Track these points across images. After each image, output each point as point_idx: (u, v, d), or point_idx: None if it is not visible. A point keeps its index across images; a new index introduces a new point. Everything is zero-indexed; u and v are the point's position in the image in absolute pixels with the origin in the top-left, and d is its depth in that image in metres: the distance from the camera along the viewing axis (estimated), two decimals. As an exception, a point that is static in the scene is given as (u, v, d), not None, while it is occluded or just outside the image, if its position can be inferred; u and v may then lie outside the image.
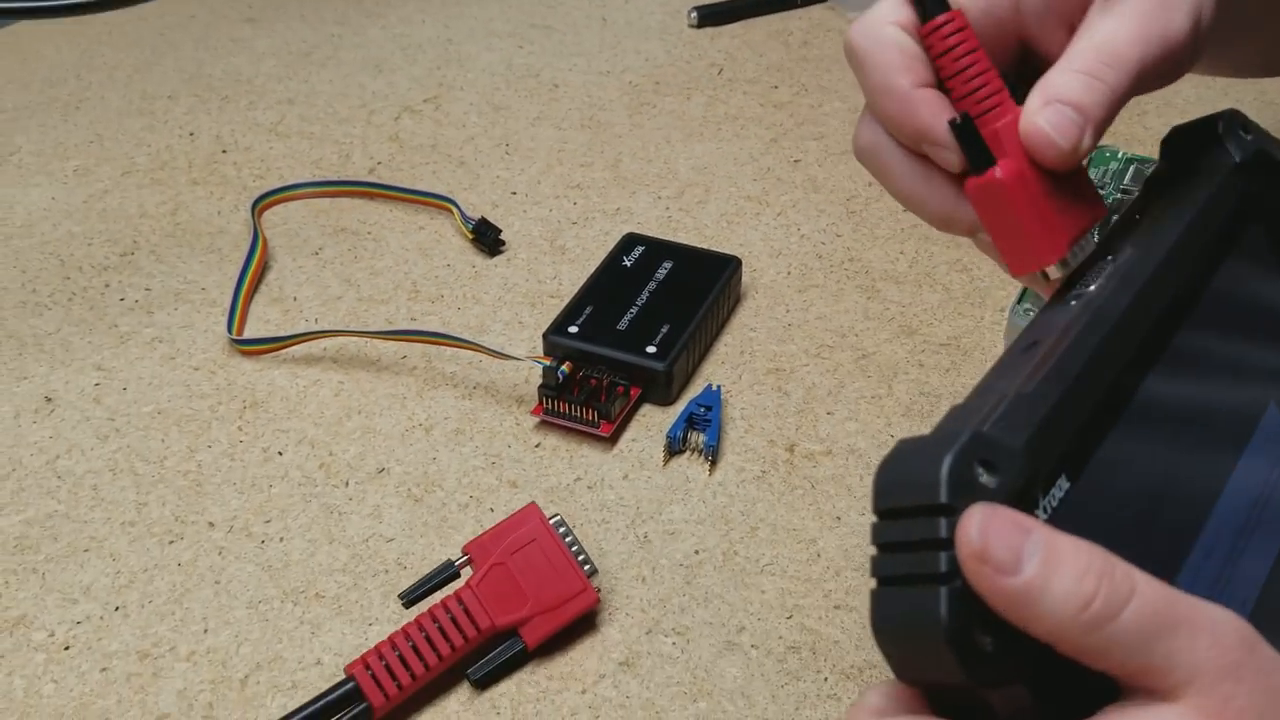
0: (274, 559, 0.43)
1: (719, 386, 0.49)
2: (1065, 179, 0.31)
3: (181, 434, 0.48)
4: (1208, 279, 0.31)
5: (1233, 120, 0.34)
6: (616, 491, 0.46)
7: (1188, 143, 0.34)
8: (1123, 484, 0.27)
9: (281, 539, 0.44)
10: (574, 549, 0.40)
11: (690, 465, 0.47)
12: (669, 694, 0.39)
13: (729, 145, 0.66)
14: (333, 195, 0.62)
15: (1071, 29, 0.32)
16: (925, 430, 0.48)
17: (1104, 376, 0.27)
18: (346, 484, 0.46)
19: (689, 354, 0.50)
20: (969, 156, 0.30)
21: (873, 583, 0.24)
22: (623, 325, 0.50)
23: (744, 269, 0.55)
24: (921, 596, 0.23)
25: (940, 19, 0.30)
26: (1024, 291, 0.51)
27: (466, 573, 0.41)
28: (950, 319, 0.54)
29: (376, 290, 0.56)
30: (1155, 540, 0.28)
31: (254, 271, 0.56)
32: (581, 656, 0.40)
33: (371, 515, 0.45)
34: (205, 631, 0.41)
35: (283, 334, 0.53)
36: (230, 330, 0.53)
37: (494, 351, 0.48)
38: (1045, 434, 0.25)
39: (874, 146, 0.33)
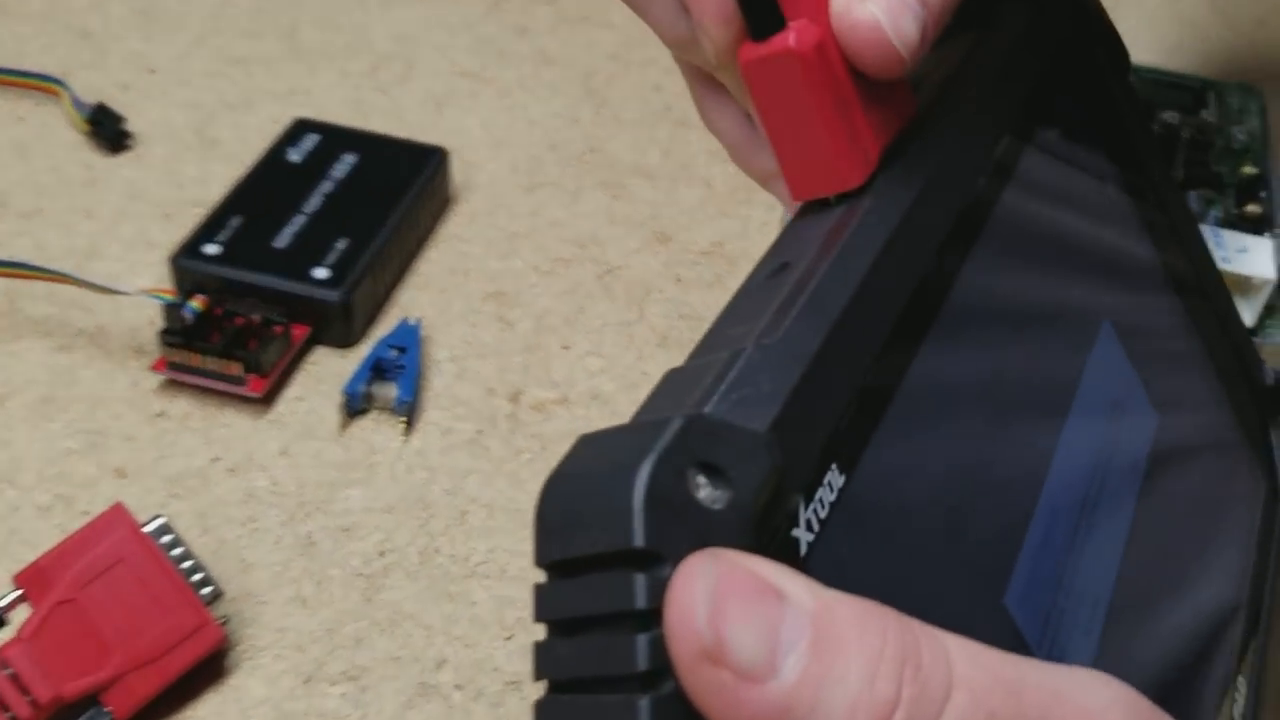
0: None
1: (418, 320, 0.37)
2: None
3: None
4: (1013, 165, 0.23)
5: None
6: (271, 474, 0.33)
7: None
8: (920, 467, 0.19)
9: None
10: (185, 566, 0.28)
11: (378, 429, 0.35)
12: (337, 771, 0.27)
13: (439, 9, 0.53)
14: (-108, 75, 0.46)
15: None
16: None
17: (885, 307, 0.18)
18: None
19: (376, 278, 0.37)
20: (746, 11, 0.20)
21: (539, 688, 0.15)
22: (282, 242, 0.37)
23: (454, 163, 0.42)
24: (611, 714, 0.14)
25: None
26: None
27: (19, 616, 0.27)
28: (713, 221, 0.43)
29: (-53, 203, 0.41)
30: (975, 536, 0.20)
31: None
32: (209, 726, 0.28)
33: (-99, 532, 0.31)
34: None
35: None
36: None
37: (92, 284, 0.34)
38: (804, 405, 0.16)
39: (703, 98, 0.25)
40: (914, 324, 0.19)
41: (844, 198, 0.21)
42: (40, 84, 0.45)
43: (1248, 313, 0.34)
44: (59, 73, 0.46)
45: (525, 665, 0.29)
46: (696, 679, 0.14)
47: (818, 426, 0.17)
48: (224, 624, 0.28)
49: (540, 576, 0.15)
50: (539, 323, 0.39)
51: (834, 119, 0.20)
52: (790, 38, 0.20)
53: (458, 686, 0.29)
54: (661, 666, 0.14)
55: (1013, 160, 0.23)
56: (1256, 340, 0.34)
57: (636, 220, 0.43)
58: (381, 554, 0.32)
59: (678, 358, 0.37)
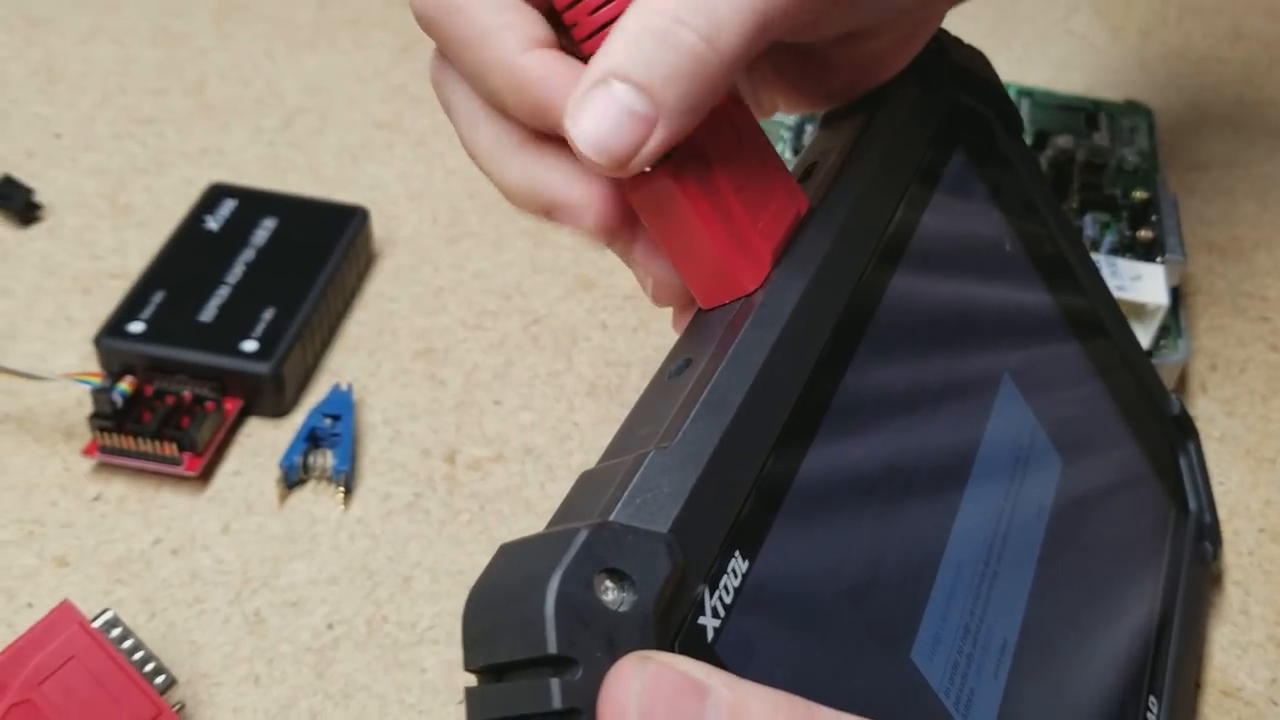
0: None
1: (349, 385, 0.37)
2: (760, 169, 0.22)
3: None
4: (907, 235, 0.24)
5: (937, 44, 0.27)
6: (214, 553, 0.33)
7: None
8: (824, 539, 0.20)
9: None
10: (137, 657, 0.28)
11: (317, 500, 0.35)
12: None
13: (349, 58, 0.53)
14: None
15: None
16: (615, 411, 0.39)
17: (780, 398, 0.20)
18: None
19: (305, 345, 0.38)
20: None
21: None
22: (208, 315, 0.37)
23: (374, 218, 0.43)
24: None
25: None
26: (717, 225, 0.42)
27: (-20, 722, 0.27)
28: (634, 263, 0.44)
29: None
30: (879, 601, 0.21)
31: None
32: (170, 815, 0.28)
33: None
34: None
35: None
36: None
37: (15, 371, 0.34)
38: (703, 502, 0.18)
39: (443, 80, 0.23)
40: (810, 412, 0.21)
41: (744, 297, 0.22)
42: (-56, 157, 0.45)
43: (1143, 336, 0.36)
44: (-40, 142, 0.45)
45: (479, 729, 0.30)
46: None
47: (718, 520, 0.18)
48: (179, 709, 0.28)
49: (471, 680, 0.17)
50: (469, 379, 0.39)
51: (718, 233, 0.21)
52: (665, 169, 0.21)
53: (415, 756, 0.30)
54: None
55: (907, 230, 0.25)
56: (1154, 361, 0.36)
57: (559, 267, 0.44)
58: (330, 626, 0.32)
59: (606, 406, 0.38)
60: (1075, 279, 0.30)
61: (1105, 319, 0.31)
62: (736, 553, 0.18)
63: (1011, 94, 0.47)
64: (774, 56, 0.26)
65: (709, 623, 0.17)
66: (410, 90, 0.51)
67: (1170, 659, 0.29)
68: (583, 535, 0.16)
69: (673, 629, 0.17)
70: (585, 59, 0.21)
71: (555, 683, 0.15)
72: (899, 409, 0.23)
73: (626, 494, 0.17)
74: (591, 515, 0.17)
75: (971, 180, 0.27)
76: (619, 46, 0.20)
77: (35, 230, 0.43)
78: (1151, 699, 0.28)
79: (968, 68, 0.28)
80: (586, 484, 0.19)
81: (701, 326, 0.22)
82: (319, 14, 0.55)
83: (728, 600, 0.18)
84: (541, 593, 0.16)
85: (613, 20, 0.21)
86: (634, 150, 0.20)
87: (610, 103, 0.19)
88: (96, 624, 0.28)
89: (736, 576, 0.18)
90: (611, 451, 0.20)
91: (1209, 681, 0.33)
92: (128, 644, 0.28)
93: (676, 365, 0.21)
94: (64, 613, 0.28)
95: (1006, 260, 0.28)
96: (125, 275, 0.41)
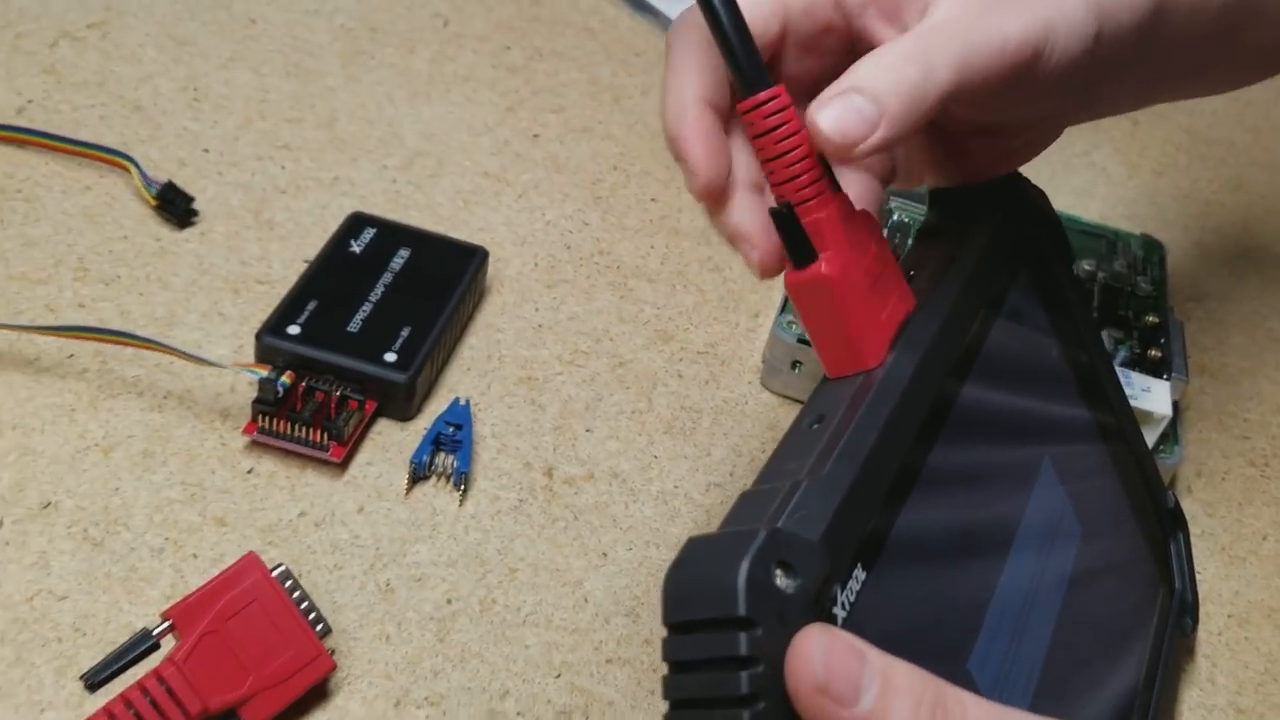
0: (-103, 630, 0.33)
1: (467, 401, 0.43)
2: (883, 271, 0.29)
3: None
4: (984, 336, 0.31)
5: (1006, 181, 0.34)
6: (351, 529, 0.39)
7: (956, 194, 0.34)
8: (916, 567, 0.26)
9: (-93, 601, 0.34)
10: (304, 606, 0.34)
11: (437, 494, 0.41)
12: (425, 782, 0.33)
13: (460, 111, 0.59)
14: (-31, 139, 0.50)
15: (897, 23, 0.30)
16: (689, 449, 0.45)
17: (894, 454, 0.26)
18: (0, 523, 0.37)
19: (433, 362, 0.43)
20: (789, 249, 0.28)
21: (664, 706, 0.22)
22: (354, 326, 0.43)
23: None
24: None
25: (762, 95, 0.27)
26: (787, 301, 0.48)
27: (168, 643, 0.33)
28: (706, 324, 0.50)
29: (31, 266, 0.46)
30: (948, 622, 0.27)
31: None
32: (316, 740, 0.34)
33: (36, 565, 0.36)
34: None
35: (-97, 321, 0.41)
36: None
37: (194, 356, 0.40)
38: (841, 523, 0.23)
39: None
40: (911, 470, 0.27)
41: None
42: (112, 158, 0.50)
43: (1148, 438, 0.43)
44: (119, 145, 0.51)
45: (572, 699, 0.36)
46: (807, 702, 0.21)
47: (849, 540, 0.24)
48: (332, 654, 0.34)
49: (664, 633, 0.22)
50: (565, 407, 0.45)
51: (856, 321, 0.28)
52: (822, 267, 0.27)
53: (519, 714, 0.35)
54: (756, 692, 0.21)
55: (982, 335, 0.31)
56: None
57: (642, 319, 0.50)
58: (449, 601, 0.37)
59: (681, 444, 0.44)
60: (1103, 388, 0.36)
61: (1123, 422, 0.37)
62: (859, 565, 0.24)
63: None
64: (930, 139, 0.33)
65: (839, 613, 0.23)
66: (514, 147, 0.58)
67: (1154, 703, 0.35)
68: (763, 534, 0.22)
69: (821, 614, 0.23)
70: (770, 182, 0.28)
71: (744, 636, 0.21)
72: (969, 475, 0.29)
73: (788, 510, 0.23)
74: (761, 523, 0.23)
75: (1031, 299, 0.34)
76: (864, 71, 0.27)
77: (189, 233, 0.49)
78: None
79: (1034, 201, 0.35)
80: (747, 500, 0.25)
81: (830, 391, 0.28)
82: (434, 68, 0.62)
83: (851, 599, 0.24)
84: (735, 570, 0.21)
85: (781, 155, 0.27)
86: (859, 141, 0.27)
87: (849, 106, 0.27)
88: (275, 574, 0.33)
89: (858, 583, 0.24)
90: (764, 478, 0.26)
91: (1176, 734, 0.39)
92: (296, 594, 0.34)
93: (810, 420, 0.27)
94: (249, 563, 0.33)
95: (1052, 367, 0.34)
96: (269, 282, 0.47)
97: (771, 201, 0.28)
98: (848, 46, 0.31)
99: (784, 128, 0.27)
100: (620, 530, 0.41)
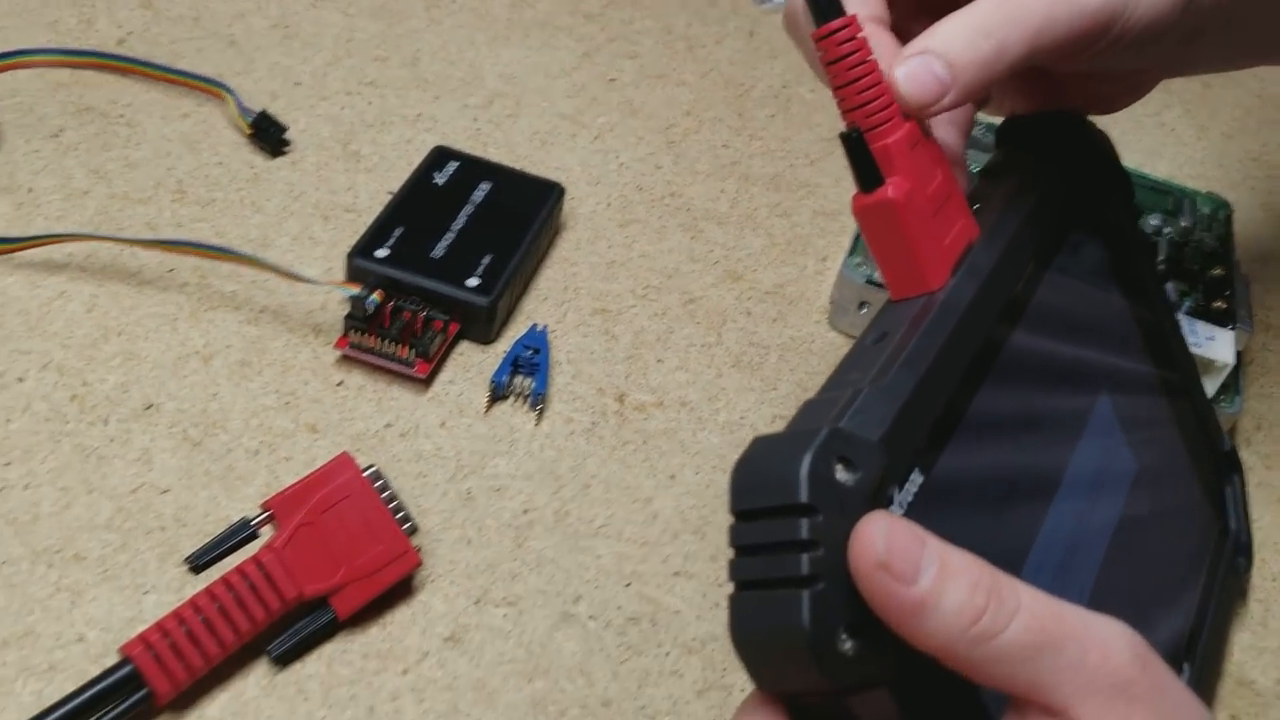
0: (18, 510, 0.36)
1: (544, 327, 0.45)
2: (948, 199, 0.30)
3: (-115, 350, 0.39)
4: (1043, 272, 0.32)
5: (1065, 118, 0.35)
6: (434, 441, 0.41)
7: (1022, 134, 0.35)
8: (971, 477, 0.27)
9: (27, 486, 0.37)
10: (392, 505, 0.36)
11: (514, 414, 0.43)
12: (501, 673, 0.35)
13: (538, 55, 0.61)
14: (75, 66, 0.53)
15: None
16: (755, 383, 0.46)
17: (953, 369, 0.27)
18: (106, 421, 0.39)
19: (512, 288, 0.45)
20: (857, 174, 0.29)
21: (730, 587, 0.23)
22: (438, 252, 0.45)
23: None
24: (783, 600, 0.22)
25: (834, 24, 0.28)
26: (856, 243, 0.49)
27: (266, 534, 0.35)
28: (774, 266, 0.52)
29: (133, 186, 0.48)
30: (1002, 532, 0.28)
31: (-23, 152, 0.46)
32: (401, 631, 0.36)
33: (140, 460, 0.38)
34: (-72, 602, 0.33)
35: (17, 234, 0.44)
36: (-52, 223, 0.43)
37: (290, 273, 0.42)
38: (900, 428, 0.25)
39: None
40: (972, 384, 0.28)
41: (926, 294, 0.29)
42: (209, 87, 0.52)
43: (1209, 387, 0.44)
44: (215, 75, 0.53)
45: (642, 606, 0.37)
46: (869, 579, 0.22)
47: (907, 444, 0.25)
48: (418, 552, 0.36)
49: (730, 521, 0.24)
50: (636, 338, 0.47)
51: (920, 244, 0.29)
52: (888, 190, 0.29)
53: (591, 617, 0.37)
54: (816, 573, 0.22)
55: (1044, 266, 0.32)
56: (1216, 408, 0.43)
57: (711, 259, 0.51)
58: (525, 511, 0.39)
59: (748, 378, 0.45)
60: (1162, 331, 0.37)
61: (1181, 368, 0.38)
62: (916, 469, 0.26)
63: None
64: (1026, 75, 0.34)
65: (896, 511, 0.25)
66: (590, 91, 0.59)
67: (1203, 639, 0.36)
68: (825, 431, 0.23)
69: (875, 506, 0.24)
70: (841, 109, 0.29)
71: (805, 521, 0.22)
72: (1029, 396, 0.30)
73: (850, 412, 0.25)
74: (823, 423, 0.25)
75: (1093, 238, 0.35)
76: (942, 35, 0.29)
77: (281, 162, 0.51)
78: (1185, 665, 0.35)
79: (1100, 147, 0.36)
80: (810, 407, 0.26)
81: (893, 311, 0.29)
82: (513, 12, 0.63)
83: (908, 500, 0.25)
84: (799, 462, 0.23)
85: (852, 83, 0.29)
86: (932, 101, 0.29)
87: (925, 66, 0.29)
88: (366, 474, 0.35)
89: (915, 485, 0.25)
90: (828, 388, 0.27)
91: (1227, 673, 0.40)
92: (386, 494, 0.36)
93: (874, 337, 0.28)
94: (344, 462, 0.35)
95: (1111, 309, 0.35)
96: (356, 210, 0.49)
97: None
98: None
99: (854, 55, 0.28)
100: (688, 455, 0.43)
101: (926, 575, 0.22)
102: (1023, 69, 0.29)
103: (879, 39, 0.30)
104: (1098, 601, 0.32)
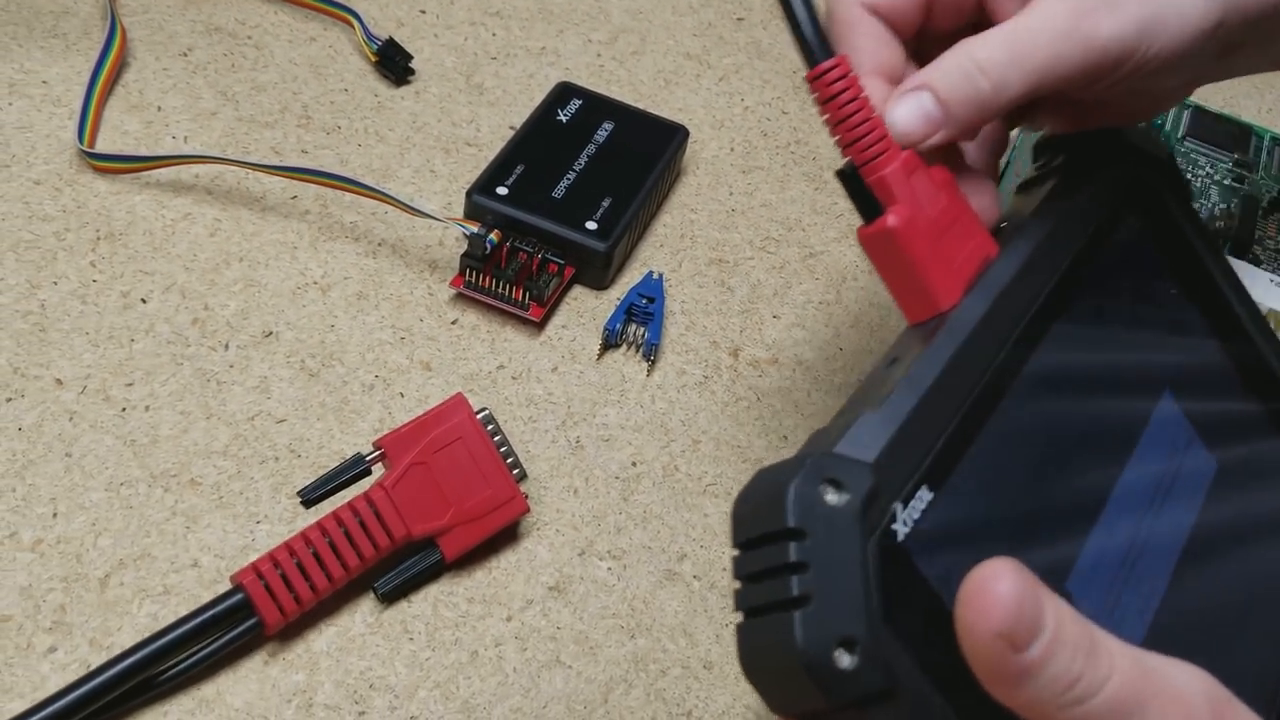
0: (138, 432, 0.37)
1: (661, 275, 0.44)
2: (956, 221, 0.29)
3: (20, 263, 0.40)
4: (1081, 280, 0.31)
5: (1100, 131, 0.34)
6: (545, 385, 0.41)
7: (1059, 149, 0.34)
8: (998, 490, 0.27)
9: (147, 407, 0.37)
10: (503, 450, 0.35)
11: (626, 362, 0.42)
12: (604, 627, 0.35)
13: (666, -10, 0.59)
14: (205, -15, 0.53)
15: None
16: (874, 345, 0.45)
17: (963, 385, 0.27)
18: (226, 346, 0.39)
19: (630, 234, 0.44)
20: (857, 206, 0.29)
21: (738, 618, 0.23)
22: (558, 193, 0.44)
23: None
24: (777, 623, 0.22)
25: (824, 65, 0.28)
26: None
27: (377, 471, 0.35)
28: (899, 222, 0.50)
29: (259, 110, 0.48)
30: (1041, 546, 0.27)
31: (110, 68, 0.47)
32: (506, 577, 0.36)
33: (258, 388, 0.39)
34: (55, 516, 0.34)
35: (145, 153, 0.44)
36: (81, 139, 0.44)
37: (411, 208, 0.41)
38: (898, 448, 0.25)
39: None
40: (994, 392, 0.27)
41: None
42: (337, 11, 0.52)
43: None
44: (341, 0, 0.53)
45: (746, 570, 0.37)
46: (984, 646, 0.21)
47: (910, 463, 0.25)
48: (526, 499, 0.36)
49: (735, 553, 0.24)
50: (753, 291, 0.46)
51: (926, 268, 0.28)
52: (888, 219, 0.28)
53: (696, 577, 0.37)
54: (806, 594, 0.22)
55: (1083, 271, 0.30)
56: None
57: (835, 212, 0.50)
58: (634, 464, 0.39)
59: (867, 339, 0.44)
60: (1232, 311, 0.35)
61: (1259, 343, 0.36)
62: (924, 486, 0.25)
63: (1264, 140, 0.51)
64: (1050, 96, 0.33)
65: (900, 529, 0.24)
66: (717, 30, 0.57)
67: None
68: (814, 457, 0.23)
69: (873, 527, 0.23)
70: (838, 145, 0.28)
71: (792, 545, 0.22)
72: (1068, 404, 0.29)
73: (844, 437, 0.24)
74: (820, 449, 0.25)
75: (1144, 235, 0.33)
76: (941, 71, 0.28)
77: (405, 91, 0.50)
78: None
79: (1141, 145, 0.34)
80: (818, 434, 0.26)
81: (908, 337, 0.29)
82: (642, -56, 0.61)
83: (915, 517, 0.24)
84: (784, 488, 0.23)
85: (845, 120, 0.28)
86: (922, 138, 0.28)
87: (918, 103, 0.28)
88: (479, 417, 0.35)
89: (923, 502, 0.25)
90: (839, 415, 0.27)
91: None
92: (497, 438, 0.35)
93: (887, 362, 0.28)
94: (457, 403, 0.35)
95: (1168, 306, 0.33)
96: (477, 145, 0.48)
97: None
98: (973, 11, 0.32)
99: (845, 94, 0.28)
100: (802, 416, 0.42)
101: (1039, 645, 0.21)
102: (1031, 100, 0.29)
103: (873, 87, 0.30)
104: (1161, 627, 0.30)
